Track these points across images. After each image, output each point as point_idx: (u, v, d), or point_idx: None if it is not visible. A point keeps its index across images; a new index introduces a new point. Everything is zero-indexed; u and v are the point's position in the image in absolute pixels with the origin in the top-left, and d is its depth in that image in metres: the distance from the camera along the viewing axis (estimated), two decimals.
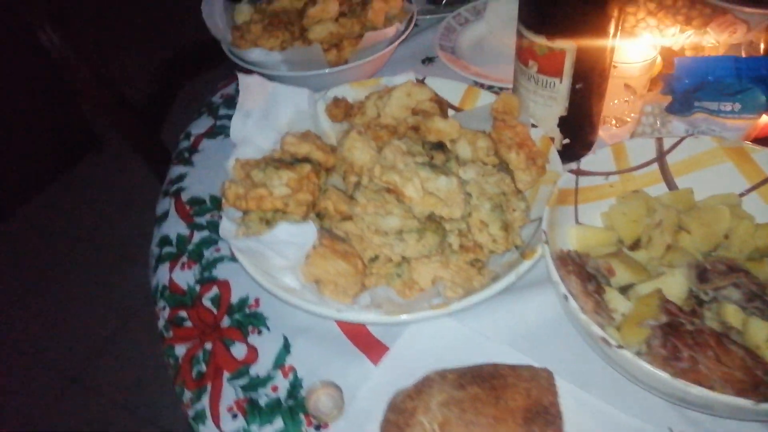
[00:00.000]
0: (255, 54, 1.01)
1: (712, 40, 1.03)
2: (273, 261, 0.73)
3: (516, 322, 0.74)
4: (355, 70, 1.02)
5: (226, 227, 0.78)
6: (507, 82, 1.07)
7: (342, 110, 0.96)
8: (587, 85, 0.84)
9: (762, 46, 0.83)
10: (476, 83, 1.11)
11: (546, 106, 0.88)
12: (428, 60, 1.20)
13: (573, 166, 0.76)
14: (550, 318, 0.73)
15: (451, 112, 0.95)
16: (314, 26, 1.04)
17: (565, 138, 0.91)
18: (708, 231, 0.70)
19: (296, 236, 0.71)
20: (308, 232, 0.70)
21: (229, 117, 1.10)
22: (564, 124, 0.90)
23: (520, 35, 0.84)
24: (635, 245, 0.73)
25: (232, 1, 1.16)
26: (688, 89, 0.72)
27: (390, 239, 0.72)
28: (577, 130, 0.91)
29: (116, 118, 1.34)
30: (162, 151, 1.44)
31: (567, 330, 0.70)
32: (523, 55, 0.85)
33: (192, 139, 1.10)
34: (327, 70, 1.00)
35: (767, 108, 0.70)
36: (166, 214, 0.97)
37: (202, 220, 0.95)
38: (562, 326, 0.71)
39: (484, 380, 0.63)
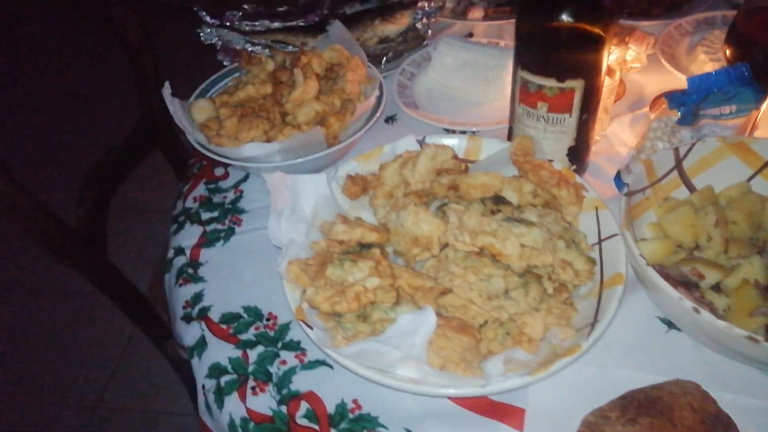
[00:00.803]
0: (250, 149, 0.96)
1: (634, 53, 1.18)
2: (389, 356, 0.69)
3: (621, 343, 0.78)
4: (350, 144, 1.01)
5: (320, 337, 0.73)
6: (474, 125, 1.13)
7: (360, 186, 0.95)
8: (591, 115, 0.92)
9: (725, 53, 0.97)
10: (448, 131, 1.16)
11: (557, 140, 0.94)
12: (391, 119, 1.22)
13: (624, 189, 0.82)
14: (643, 329, 0.79)
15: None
16: (299, 109, 1.01)
17: (572, 165, 0.98)
18: (749, 217, 0.80)
19: (418, 324, 0.68)
20: (429, 317, 0.68)
21: (216, 220, 1.04)
22: (572, 152, 0.97)
23: (524, 83, 0.90)
24: (696, 247, 0.81)
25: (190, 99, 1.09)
26: (698, 103, 0.82)
27: (500, 301, 0.73)
28: (582, 156, 0.99)
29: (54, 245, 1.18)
30: (112, 272, 1.29)
31: (668, 337, 0.76)
32: (529, 98, 0.91)
33: (188, 252, 1.01)
34: (329, 150, 0.98)
35: (756, 106, 0.82)
36: (203, 341, 0.87)
37: (248, 335, 0.87)
38: (659, 334, 0.77)
39: (649, 408, 0.66)
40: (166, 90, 1.02)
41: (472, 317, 0.74)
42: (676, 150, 0.87)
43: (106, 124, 2.68)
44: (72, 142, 3.09)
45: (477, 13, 1.46)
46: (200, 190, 1.13)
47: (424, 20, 1.41)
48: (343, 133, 1.04)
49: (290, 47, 1.38)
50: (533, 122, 0.94)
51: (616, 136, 1.12)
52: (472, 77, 1.22)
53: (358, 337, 0.73)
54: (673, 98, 0.85)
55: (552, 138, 0.94)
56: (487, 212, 0.81)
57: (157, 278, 1.41)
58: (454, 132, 1.16)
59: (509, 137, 1.04)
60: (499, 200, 0.82)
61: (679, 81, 1.17)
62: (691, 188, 0.89)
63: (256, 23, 1.47)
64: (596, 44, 0.84)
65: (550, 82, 0.87)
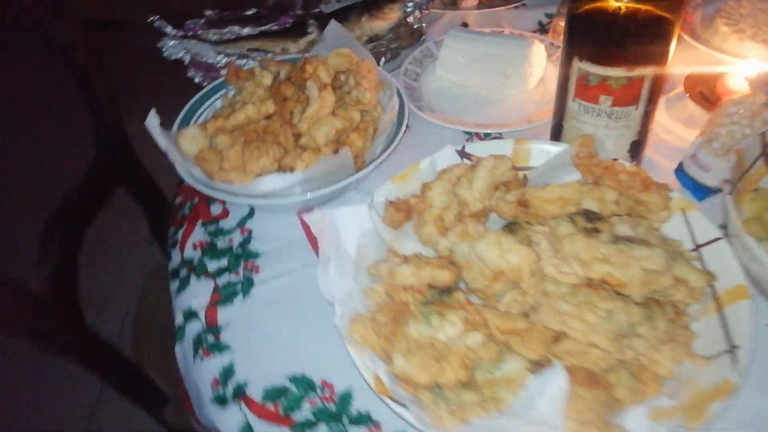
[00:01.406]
0: (268, 183, 0.80)
1: None
2: (522, 430, 0.56)
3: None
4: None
5: (420, 417, 0.58)
6: (503, 126, 1.01)
7: (404, 213, 0.80)
8: (654, 105, 0.82)
9: None
10: (472, 134, 1.03)
11: (620, 136, 0.83)
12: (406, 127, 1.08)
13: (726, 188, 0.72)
14: None
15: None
16: (317, 128, 0.85)
17: (633, 161, 0.87)
18: None
19: (548, 386, 0.55)
20: (558, 376, 0.55)
21: (227, 270, 0.88)
22: (634, 148, 0.86)
23: (582, 75, 0.78)
24: None
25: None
26: None
27: (628, 341, 0.61)
28: (642, 151, 0.88)
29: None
30: (90, 341, 1.09)
31: None
32: (590, 92, 0.79)
33: (202, 315, 0.83)
34: (360, 174, 0.83)
35: None
36: (248, 429, 0.71)
37: (303, 413, 0.71)
38: None
39: None
40: (152, 121, 0.84)
41: (594, 363, 0.62)
42: (764, 134, 0.77)
43: (57, 162, 2.35)
44: (21, 185, 2.68)
45: (470, 0, 1.33)
46: (199, 234, 0.95)
47: (417, 13, 1.27)
48: (367, 151, 0.89)
49: (270, 54, 1.21)
50: (592, 118, 0.82)
51: (656, 122, 1.02)
52: (487, 72, 1.10)
53: (467, 408, 0.58)
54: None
55: (614, 134, 0.83)
56: (580, 231, 0.68)
57: (139, 333, 1.21)
58: (479, 136, 1.03)
59: (555, 137, 0.92)
60: (592, 216, 0.69)
61: (701, 55, 1.09)
62: None
63: (224, 30, 1.30)
64: (670, 26, 0.73)
65: (618, 72, 0.76)
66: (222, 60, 1.21)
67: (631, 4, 0.72)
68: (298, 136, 0.88)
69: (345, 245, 0.75)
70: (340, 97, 0.93)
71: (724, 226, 0.84)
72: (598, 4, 0.74)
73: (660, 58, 0.76)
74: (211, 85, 1.03)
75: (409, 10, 1.27)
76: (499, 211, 0.77)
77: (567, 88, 0.83)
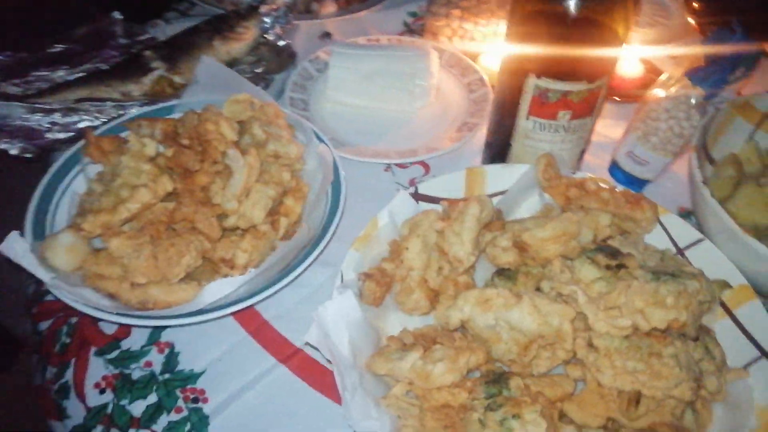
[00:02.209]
0: (214, 291, 0.60)
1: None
2: None
3: None
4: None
5: None
6: (424, 152, 0.91)
7: (384, 285, 0.67)
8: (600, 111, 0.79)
9: None
10: (397, 166, 0.92)
11: (575, 147, 0.79)
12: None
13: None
14: None
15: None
16: (250, 205, 0.66)
17: (578, 167, 0.85)
18: None
19: None
20: None
21: (161, 409, 0.67)
22: (581, 155, 0.83)
23: (540, 92, 0.71)
24: None
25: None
26: (730, 73, 0.74)
27: (701, 381, 0.56)
28: (582, 157, 0.85)
29: None
30: None
31: None
32: (547, 109, 0.73)
33: None
34: (318, 249, 0.67)
35: (755, 62, 0.78)
36: None
37: None
38: None
39: None
40: (13, 245, 0.57)
41: (671, 413, 0.57)
42: (703, 128, 0.79)
43: None
44: None
45: (329, 7, 1.19)
46: (98, 368, 0.70)
47: (277, 29, 1.09)
48: (309, 214, 0.73)
49: (108, 104, 0.94)
50: (549, 135, 0.76)
51: None
52: (386, 90, 0.98)
53: None
54: (697, 75, 0.76)
55: (569, 147, 0.78)
56: (606, 272, 0.62)
57: None
58: (401, 165, 0.92)
59: (499, 158, 0.84)
60: (610, 251, 0.63)
61: None
62: (712, 162, 0.83)
63: (29, 78, 0.99)
64: (627, 29, 0.69)
65: (580, 86, 0.70)
66: (43, 120, 0.91)
67: (588, 15, 0.66)
68: (222, 216, 0.68)
69: (343, 344, 0.60)
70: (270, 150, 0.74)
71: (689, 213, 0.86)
72: (558, 17, 0.67)
73: (614, 65, 0.72)
74: (57, 167, 0.75)
75: (267, 26, 1.09)
76: (495, 262, 0.68)
77: (517, 107, 0.75)
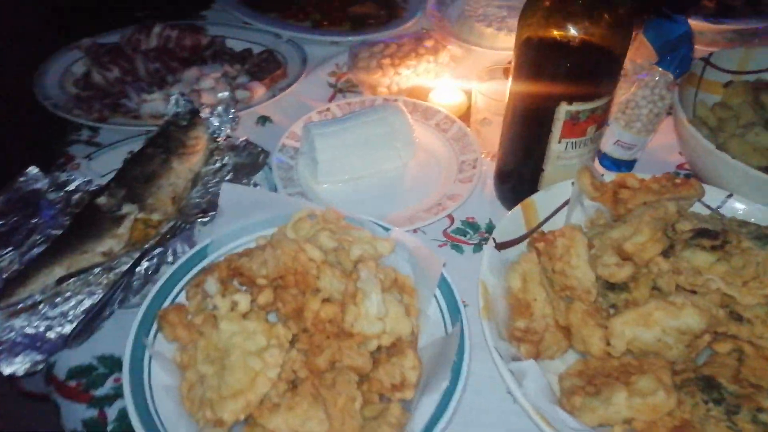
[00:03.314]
0: None
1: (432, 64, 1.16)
2: None
3: None
4: None
5: None
6: (456, 199, 0.92)
7: (536, 343, 0.68)
8: None
9: None
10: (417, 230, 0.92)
11: (594, 151, 0.86)
12: None
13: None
14: None
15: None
16: (393, 320, 0.62)
17: None
18: None
19: None
20: None
21: None
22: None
23: (572, 116, 0.77)
24: None
25: None
26: (688, 53, 0.87)
27: None
28: None
29: None
30: None
31: None
32: (579, 128, 0.79)
33: None
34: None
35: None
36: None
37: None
38: None
39: None
40: None
41: None
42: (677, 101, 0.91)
43: None
44: None
45: (258, 90, 1.13)
46: None
47: (228, 128, 1.01)
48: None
49: (95, 271, 0.80)
50: (578, 151, 0.82)
51: None
52: (374, 155, 0.97)
53: None
54: (666, 62, 0.87)
55: (591, 154, 0.85)
56: (715, 253, 0.69)
57: None
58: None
59: (529, 186, 0.88)
60: (710, 233, 0.71)
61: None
62: None
63: None
64: (629, 39, 0.77)
65: (604, 100, 0.77)
66: (33, 321, 0.75)
67: (598, 42, 0.73)
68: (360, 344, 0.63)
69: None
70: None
71: None
72: (581, 47, 0.73)
73: (621, 72, 0.80)
74: (126, 364, 0.63)
75: (215, 128, 1.01)
76: (614, 279, 0.72)
77: (548, 134, 0.80)
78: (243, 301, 0.63)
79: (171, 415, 0.61)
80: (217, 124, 1.02)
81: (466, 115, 1.08)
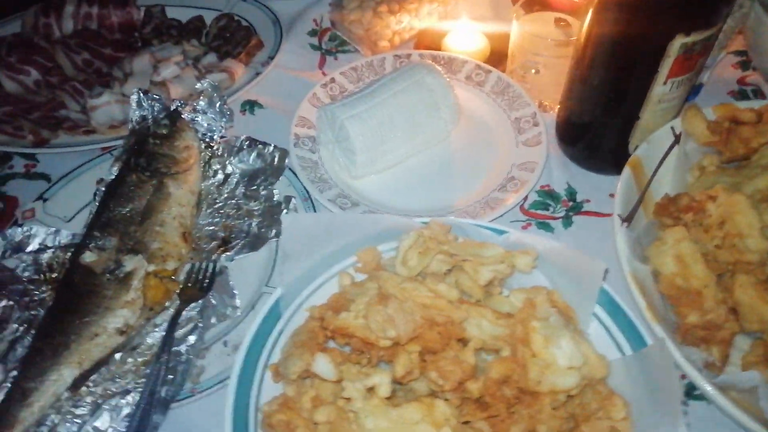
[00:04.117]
0: None
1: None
2: None
3: None
4: None
5: None
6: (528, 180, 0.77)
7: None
8: None
9: None
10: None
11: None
12: None
13: None
14: None
15: None
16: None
17: None
18: None
19: None
20: None
21: None
22: None
23: (685, 50, 0.63)
24: None
25: None
26: None
27: None
28: None
29: None
30: None
31: None
32: (690, 62, 0.65)
33: None
34: None
35: None
36: None
37: None
38: None
39: None
40: None
41: None
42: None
43: None
44: None
45: (237, 69, 0.89)
46: None
47: (222, 125, 0.79)
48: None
49: (115, 360, 0.59)
50: (681, 90, 0.69)
51: None
52: (421, 126, 0.79)
53: None
54: None
55: (685, 94, 0.72)
56: None
57: None
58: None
59: (614, 138, 0.74)
60: None
61: None
62: None
63: None
64: None
65: (721, 23, 0.63)
66: None
67: None
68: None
69: None
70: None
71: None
72: None
73: None
74: None
75: (205, 130, 0.78)
76: None
77: (652, 75, 0.65)
78: (383, 383, 0.46)
79: None
80: (206, 124, 0.79)
81: (490, 63, 0.90)
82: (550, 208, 0.77)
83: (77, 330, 0.60)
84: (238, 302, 0.65)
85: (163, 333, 0.62)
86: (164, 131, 0.75)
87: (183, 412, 0.59)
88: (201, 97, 0.79)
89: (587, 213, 0.77)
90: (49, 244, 0.71)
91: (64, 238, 0.71)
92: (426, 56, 0.90)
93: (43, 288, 0.68)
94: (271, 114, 0.88)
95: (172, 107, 0.79)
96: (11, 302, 0.65)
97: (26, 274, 0.68)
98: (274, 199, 0.74)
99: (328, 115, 0.77)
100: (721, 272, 0.60)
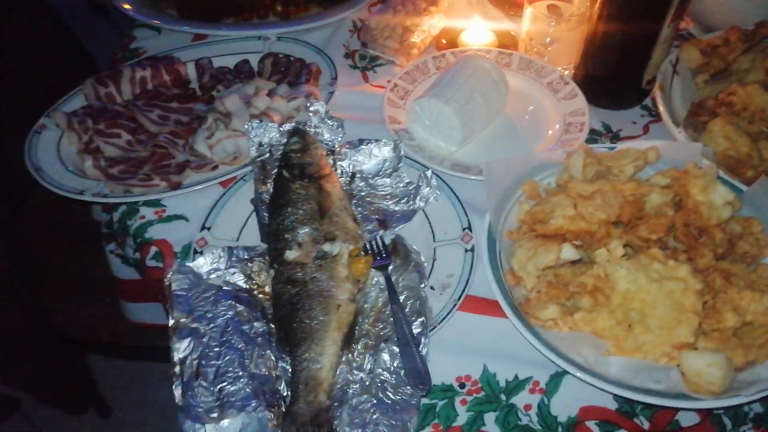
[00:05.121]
0: None
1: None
2: None
3: None
4: None
5: None
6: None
7: None
8: None
9: None
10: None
11: None
12: None
13: None
14: None
15: None
16: None
17: None
18: None
19: None
20: None
21: None
22: None
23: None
24: None
25: None
26: None
27: None
28: None
29: None
30: None
31: None
32: (682, 8, 0.91)
33: None
34: None
35: None
36: None
37: None
38: None
39: None
40: None
41: None
42: None
43: None
44: None
45: (315, 92, 1.03)
46: None
47: (340, 134, 0.93)
48: None
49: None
50: (673, 33, 0.95)
51: None
52: (486, 102, 0.99)
53: None
54: None
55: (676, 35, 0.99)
56: None
57: None
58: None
59: (627, 79, 0.99)
60: None
61: None
62: None
63: None
64: None
65: None
66: None
67: None
68: None
69: None
70: None
71: None
72: None
73: None
74: None
75: (325, 141, 0.92)
76: None
77: (661, 23, 0.91)
78: (618, 246, 0.65)
79: None
80: (327, 135, 0.93)
81: None
82: (598, 140, 1.00)
83: (325, 305, 0.72)
84: (422, 257, 0.80)
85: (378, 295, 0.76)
86: (299, 146, 0.88)
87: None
88: (311, 113, 0.93)
89: (624, 138, 1.01)
90: (238, 261, 0.80)
91: (242, 252, 0.81)
92: (457, 53, 1.11)
93: (255, 292, 0.78)
94: (351, 123, 1.03)
95: (289, 127, 0.91)
96: (243, 307, 0.75)
97: (236, 284, 0.78)
98: (405, 180, 0.89)
99: (423, 105, 0.95)
100: (756, 140, 0.86)
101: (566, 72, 1.09)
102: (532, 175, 0.80)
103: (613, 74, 1.01)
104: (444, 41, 1.18)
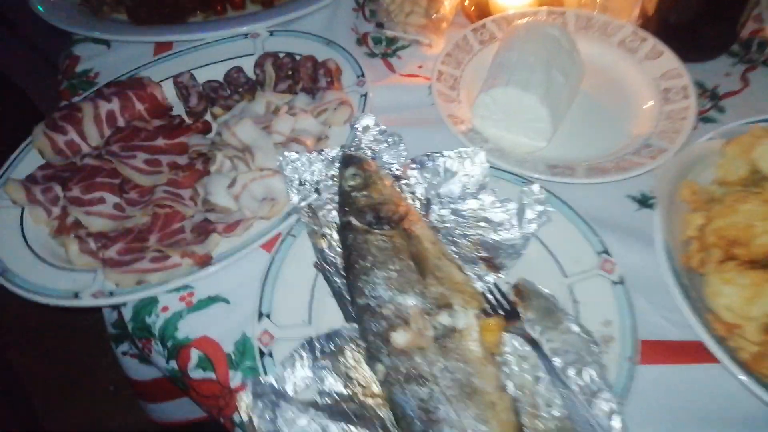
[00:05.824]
0: None
1: None
2: None
3: None
4: None
5: None
6: None
7: None
8: None
9: None
10: None
11: None
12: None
13: None
14: None
15: None
16: None
17: None
18: None
19: None
20: None
21: None
22: None
23: None
24: None
25: None
26: None
27: None
28: None
29: None
30: None
31: None
32: None
33: None
34: None
35: None
36: None
37: None
38: None
39: None
40: None
41: None
42: None
43: None
44: None
45: (345, 98, 0.80)
46: None
47: (402, 155, 0.72)
48: None
49: None
50: None
51: None
52: (571, 73, 0.79)
53: None
54: None
55: None
56: None
57: None
58: None
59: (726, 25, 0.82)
60: None
61: None
62: None
63: None
64: None
65: None
66: None
67: None
68: None
69: None
70: None
71: None
72: None
73: None
74: None
75: (384, 164, 0.70)
76: None
77: None
78: None
79: None
80: (387, 156, 0.71)
81: None
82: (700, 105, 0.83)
83: (478, 410, 0.52)
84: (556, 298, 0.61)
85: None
86: (361, 181, 0.66)
87: None
88: (365, 129, 0.71)
89: (726, 95, 0.83)
90: (323, 354, 0.59)
91: (326, 342, 0.60)
92: (498, 20, 0.89)
93: (361, 397, 0.57)
94: (396, 129, 0.81)
95: (336, 153, 0.69)
96: (358, 428, 0.54)
97: (334, 393, 0.57)
98: (500, 197, 0.69)
99: (496, 96, 0.74)
100: None
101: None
102: (684, 174, 0.61)
103: (701, 15, 0.83)
104: (472, 7, 0.96)
